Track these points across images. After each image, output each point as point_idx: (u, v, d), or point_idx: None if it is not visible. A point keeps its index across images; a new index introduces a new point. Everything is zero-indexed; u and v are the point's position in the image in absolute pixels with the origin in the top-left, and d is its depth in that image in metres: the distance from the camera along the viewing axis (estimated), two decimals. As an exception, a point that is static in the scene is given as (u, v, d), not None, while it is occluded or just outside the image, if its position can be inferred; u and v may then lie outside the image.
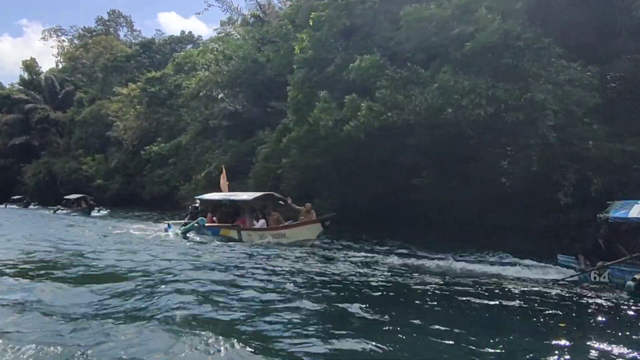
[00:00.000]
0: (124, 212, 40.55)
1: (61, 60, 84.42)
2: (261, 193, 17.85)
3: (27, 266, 9.97)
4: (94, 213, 38.59)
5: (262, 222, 17.03)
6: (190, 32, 67.97)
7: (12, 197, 58.91)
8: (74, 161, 59.23)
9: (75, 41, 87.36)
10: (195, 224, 18.01)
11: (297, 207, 16.46)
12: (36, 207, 54.44)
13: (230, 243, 16.36)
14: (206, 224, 18.46)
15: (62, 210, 42.33)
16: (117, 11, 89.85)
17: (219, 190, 28.08)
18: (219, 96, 34.53)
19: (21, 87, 74.39)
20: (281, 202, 17.46)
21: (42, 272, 9.21)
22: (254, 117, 33.14)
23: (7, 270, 9.07)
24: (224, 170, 22.40)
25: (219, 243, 16.38)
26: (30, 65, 73.27)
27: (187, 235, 17.93)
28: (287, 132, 22.85)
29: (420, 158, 15.69)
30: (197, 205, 21.22)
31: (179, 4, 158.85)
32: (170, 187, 42.62)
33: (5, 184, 65.20)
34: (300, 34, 18.64)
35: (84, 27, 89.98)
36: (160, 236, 18.43)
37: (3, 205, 54.26)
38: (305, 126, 18.45)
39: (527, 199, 13.84)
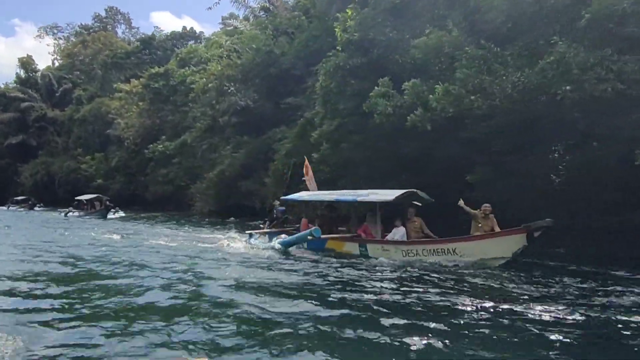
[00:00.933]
0: (132, 213, 38.79)
1: (58, 57, 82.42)
2: (403, 190, 12.68)
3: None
4: (111, 215, 34.28)
5: (401, 231, 12.37)
6: (192, 28, 66.17)
7: (14, 198, 54.48)
8: (72, 160, 57.34)
9: (72, 39, 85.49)
10: (309, 236, 12.72)
11: (472, 210, 11.78)
12: (42, 208, 50.75)
13: (352, 261, 11.43)
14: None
15: (73, 212, 37.72)
16: (114, 8, 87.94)
17: (236, 190, 26.61)
18: (230, 90, 32.83)
19: (17, 85, 72.27)
20: (418, 203, 13.10)
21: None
22: (266, 112, 31.45)
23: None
24: (306, 161, 16.77)
25: (343, 262, 11.18)
26: (26, 63, 71.27)
27: (288, 249, 13.15)
28: (310, 127, 21.19)
29: (472, 150, 13.95)
30: (283, 208, 17.12)
31: (173, 3, 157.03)
32: (175, 186, 40.91)
33: (1, 184, 63.25)
34: (346, 11, 16.56)
35: (81, 24, 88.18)
36: (262, 253, 12.79)
37: (5, 207, 51.27)
38: (337, 119, 16.76)
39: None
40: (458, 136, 13.80)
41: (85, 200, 38.99)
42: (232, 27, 41.91)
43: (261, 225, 18.10)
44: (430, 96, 13.01)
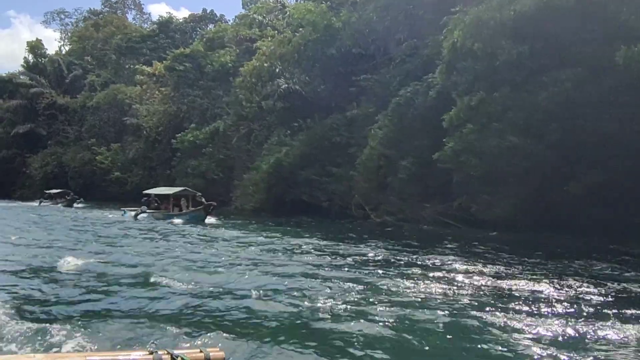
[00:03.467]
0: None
1: (66, 43, 77.95)
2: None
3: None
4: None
5: None
6: (212, 10, 61.72)
7: (47, 192, 46.26)
8: (86, 151, 53.10)
9: (81, 24, 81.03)
10: None
11: None
12: (83, 205, 42.15)
13: None
14: None
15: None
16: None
17: (293, 184, 22.57)
18: (277, 70, 28.57)
19: (24, 71, 67.78)
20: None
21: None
22: (320, 96, 27.21)
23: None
24: None
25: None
26: (35, 47, 66.75)
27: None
28: (408, 107, 16.96)
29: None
30: None
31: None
32: (207, 180, 36.68)
33: (9, 176, 58.96)
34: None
35: (90, 8, 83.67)
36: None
37: (35, 203, 43.74)
38: (480, 93, 12.58)
39: None
40: None
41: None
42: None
43: None
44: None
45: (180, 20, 62.05)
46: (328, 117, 25.21)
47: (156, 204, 28.68)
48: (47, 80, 66.20)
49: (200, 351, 2.87)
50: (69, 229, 18.10)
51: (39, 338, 5.17)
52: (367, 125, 22.39)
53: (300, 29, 27.07)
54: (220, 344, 4.62)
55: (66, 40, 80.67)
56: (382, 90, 21.18)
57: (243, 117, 34.36)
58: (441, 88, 16.12)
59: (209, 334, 5.43)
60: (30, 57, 68.10)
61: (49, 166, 56.00)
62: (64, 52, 77.63)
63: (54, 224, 20.79)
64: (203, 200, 25.73)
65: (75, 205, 41.05)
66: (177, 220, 24.43)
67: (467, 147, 13.76)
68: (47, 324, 5.61)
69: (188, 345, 4.89)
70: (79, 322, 5.80)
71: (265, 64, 29.14)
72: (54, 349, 4.83)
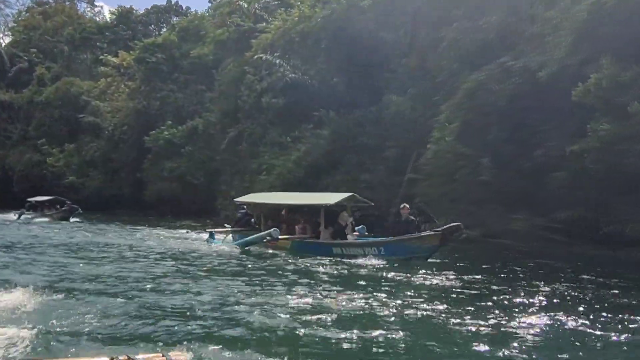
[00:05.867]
0: (114, 218, 29.75)
1: (7, 34, 70.38)
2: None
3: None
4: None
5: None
6: (177, 2, 56.85)
7: (30, 200, 34.82)
8: (34, 153, 47.00)
9: (25, 14, 73.55)
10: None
11: None
12: (78, 219, 30.23)
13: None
14: None
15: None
16: (72, -17, 76.49)
17: (315, 189, 18.90)
18: (277, 61, 24.98)
19: (-42, 63, 60.09)
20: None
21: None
22: (335, 89, 23.88)
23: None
24: None
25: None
26: (-29, 36, 59.39)
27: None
28: (483, 96, 13.97)
29: None
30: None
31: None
32: (185, 184, 32.38)
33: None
34: None
35: (34, -1, 76.20)
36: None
37: (13, 215, 32.34)
38: None
39: None
40: None
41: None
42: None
43: None
44: None
45: (142, 12, 56.92)
46: (348, 113, 21.87)
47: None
48: (-14, 74, 59.11)
49: (162, 355, 2.82)
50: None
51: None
52: (402, 120, 19.31)
53: (316, 9, 23.62)
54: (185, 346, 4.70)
55: (6, 32, 73.06)
56: (424, 79, 18.22)
57: (231, 115, 30.43)
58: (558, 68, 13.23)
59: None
60: (-34, 48, 60.60)
61: (-11, 170, 49.23)
62: (3, 44, 70.10)
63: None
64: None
65: (72, 219, 29.56)
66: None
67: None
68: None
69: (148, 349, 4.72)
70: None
71: (263, 55, 25.41)
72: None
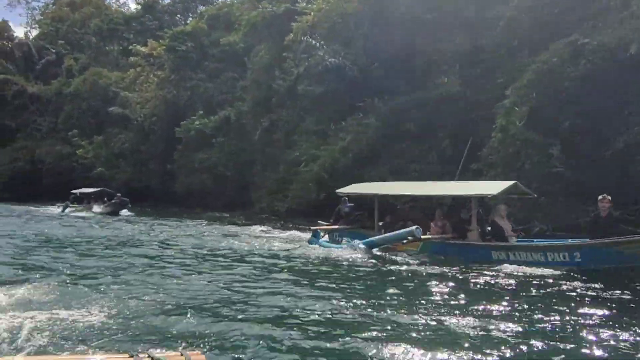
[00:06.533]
0: (164, 212, 28.38)
1: (35, 26, 70.50)
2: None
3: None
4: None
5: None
6: (203, -9, 55.87)
7: (75, 192, 32.73)
8: (63, 145, 46.77)
9: (52, 6, 73.67)
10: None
11: None
12: (129, 213, 28.60)
13: None
14: None
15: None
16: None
17: (356, 181, 17.55)
18: (316, 43, 23.68)
19: (-12, 56, 60.37)
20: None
21: None
22: (374, 75, 22.50)
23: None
24: None
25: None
26: (1, 28, 59.54)
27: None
28: (555, 77, 12.46)
29: None
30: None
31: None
32: (216, 176, 31.43)
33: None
34: None
35: (61, -9, 76.15)
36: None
37: (57, 208, 31.15)
38: None
39: None
40: None
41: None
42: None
43: None
44: None
45: (168, 1, 56.15)
46: (390, 99, 20.45)
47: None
48: (15, 66, 59.25)
49: (181, 354, 2.80)
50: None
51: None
52: (451, 105, 17.85)
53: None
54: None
55: (34, 24, 73.32)
56: (475, 61, 16.71)
57: (262, 104, 29.29)
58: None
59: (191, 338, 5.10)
60: (-6, 40, 60.82)
61: (19, 162, 49.22)
62: (31, 37, 70.33)
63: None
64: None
65: (123, 212, 27.71)
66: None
67: None
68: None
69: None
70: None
71: (305, 37, 24.11)
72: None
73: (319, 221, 15.09)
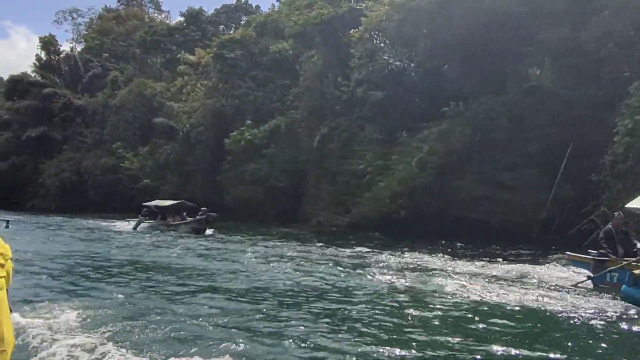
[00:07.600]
0: (253, 228, 24.53)
1: (81, 40, 71.60)
2: None
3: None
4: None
5: None
6: (246, 1, 55.43)
7: (148, 204, 28.03)
8: (109, 156, 46.60)
9: (96, 21, 74.94)
10: None
11: None
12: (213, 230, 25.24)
13: None
14: None
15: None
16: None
17: (439, 193, 15.76)
18: (380, 43, 22.12)
19: (37, 70, 61.42)
20: None
21: None
22: (445, 78, 20.72)
23: None
24: None
25: None
26: (48, 43, 60.53)
27: None
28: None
29: None
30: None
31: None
32: (267, 188, 30.11)
33: (19, 185, 52.35)
34: None
35: (105, 6, 77.51)
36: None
37: (128, 225, 26.39)
38: None
39: None
40: None
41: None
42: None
43: None
44: None
45: (212, 12, 55.96)
46: (469, 104, 18.60)
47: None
48: (62, 80, 60.08)
49: None
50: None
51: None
52: (544, 106, 15.88)
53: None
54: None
55: (80, 39, 74.60)
56: (573, 54, 14.77)
57: (316, 112, 27.88)
58: None
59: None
60: (43, 55, 61.87)
61: (65, 173, 49.40)
62: (77, 51, 71.53)
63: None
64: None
65: (208, 230, 23.96)
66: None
67: None
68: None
69: None
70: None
71: (366, 36, 22.58)
72: None
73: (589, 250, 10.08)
